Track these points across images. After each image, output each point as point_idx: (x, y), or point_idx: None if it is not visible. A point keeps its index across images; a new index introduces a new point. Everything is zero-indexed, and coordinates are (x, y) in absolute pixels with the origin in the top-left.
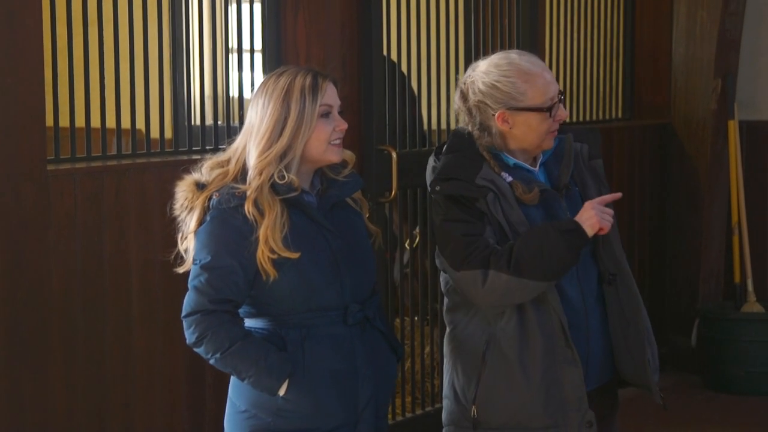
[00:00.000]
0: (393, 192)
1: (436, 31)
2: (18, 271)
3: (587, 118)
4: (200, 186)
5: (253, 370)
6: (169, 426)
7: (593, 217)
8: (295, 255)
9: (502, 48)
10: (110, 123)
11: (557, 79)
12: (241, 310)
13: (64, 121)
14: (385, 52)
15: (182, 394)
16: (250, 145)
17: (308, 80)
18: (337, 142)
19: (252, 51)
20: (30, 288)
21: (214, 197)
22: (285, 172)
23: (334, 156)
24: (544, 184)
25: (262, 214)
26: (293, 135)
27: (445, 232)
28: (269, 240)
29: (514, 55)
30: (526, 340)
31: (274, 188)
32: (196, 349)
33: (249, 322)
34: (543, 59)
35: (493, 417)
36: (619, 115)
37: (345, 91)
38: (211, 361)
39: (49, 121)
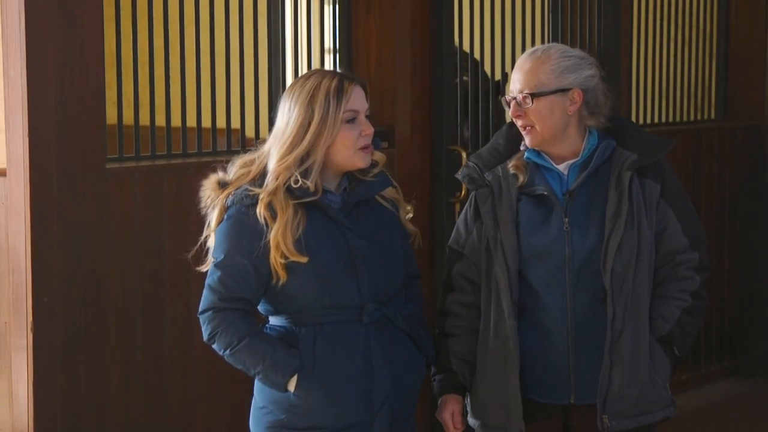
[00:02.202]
0: (463, 192)
1: (512, 32)
2: (76, 268)
3: (678, 118)
4: (223, 184)
5: (260, 366)
6: (228, 426)
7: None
8: (304, 259)
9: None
10: (206, 122)
11: (644, 79)
12: (262, 308)
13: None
14: (456, 55)
15: (242, 393)
16: (274, 148)
17: (334, 84)
18: (365, 147)
19: (338, 51)
20: (87, 285)
21: (229, 197)
22: (300, 178)
23: (361, 161)
24: (545, 188)
25: (274, 217)
26: (315, 139)
27: None
28: (280, 245)
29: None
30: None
31: (290, 191)
32: (213, 346)
33: (272, 320)
34: (629, 58)
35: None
36: (712, 116)
37: (416, 90)
38: (226, 358)
39: (114, 120)
